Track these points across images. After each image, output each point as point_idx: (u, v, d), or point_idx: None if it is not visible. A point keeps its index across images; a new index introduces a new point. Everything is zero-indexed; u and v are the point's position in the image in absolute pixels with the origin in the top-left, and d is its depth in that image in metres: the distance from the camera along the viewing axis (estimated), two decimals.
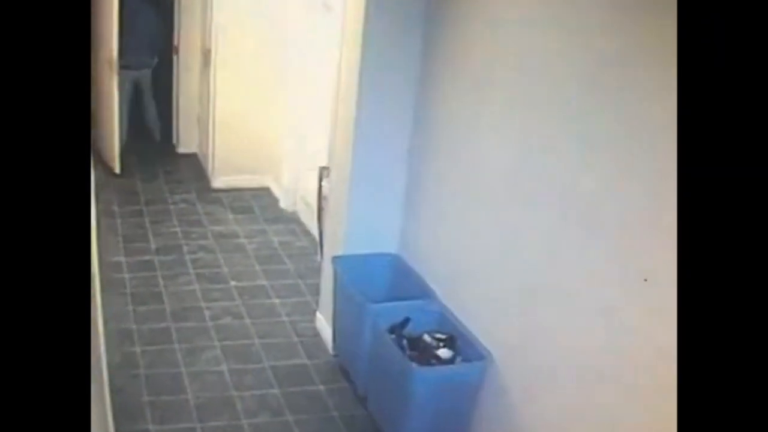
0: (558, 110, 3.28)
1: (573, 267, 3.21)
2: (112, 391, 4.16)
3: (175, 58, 8.46)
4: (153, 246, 6.42)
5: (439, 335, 4.14)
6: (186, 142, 8.63)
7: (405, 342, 4.16)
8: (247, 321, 5.39)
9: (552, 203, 3.32)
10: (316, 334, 5.26)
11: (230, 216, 7.14)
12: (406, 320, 4.28)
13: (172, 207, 7.23)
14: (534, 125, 3.45)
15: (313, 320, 5.39)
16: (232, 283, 5.91)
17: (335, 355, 5.00)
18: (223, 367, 4.85)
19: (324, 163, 5.59)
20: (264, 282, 5.95)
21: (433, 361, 4.02)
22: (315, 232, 6.20)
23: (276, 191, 7.57)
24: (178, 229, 6.76)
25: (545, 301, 3.40)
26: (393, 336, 4.18)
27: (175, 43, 8.38)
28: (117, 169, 7.72)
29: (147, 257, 6.22)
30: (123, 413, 4.27)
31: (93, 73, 7.30)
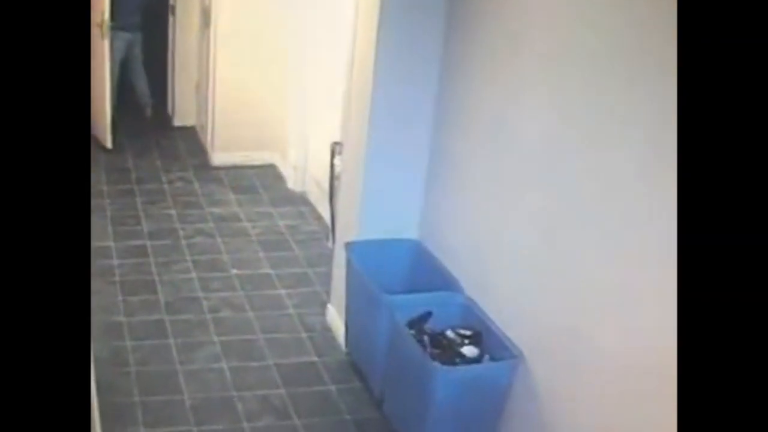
0: (601, 79, 3.26)
1: (613, 257, 3.20)
2: (100, 390, 4.19)
3: (170, 18, 8.47)
4: (145, 229, 6.45)
5: (463, 331, 4.16)
6: (183, 114, 8.67)
7: (426, 338, 4.17)
8: (250, 314, 5.42)
9: (592, 185, 3.31)
10: (327, 329, 5.29)
11: (231, 196, 7.17)
12: (428, 314, 4.30)
13: (166, 186, 7.26)
14: (573, 96, 3.44)
15: (323, 313, 5.42)
16: (234, 271, 5.94)
17: (348, 353, 5.02)
18: (223, 365, 4.89)
19: (336, 138, 5.60)
20: (269, 270, 5.98)
21: (457, 359, 4.04)
22: (326, 215, 6.22)
23: (283, 169, 7.60)
24: (173, 211, 6.80)
25: (582, 294, 3.40)
26: (413, 331, 4.20)
27: (171, 1, 8.39)
28: (108, 144, 7.76)
29: (138, 242, 6.26)
30: (111, 414, 4.31)
31: None
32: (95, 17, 7.35)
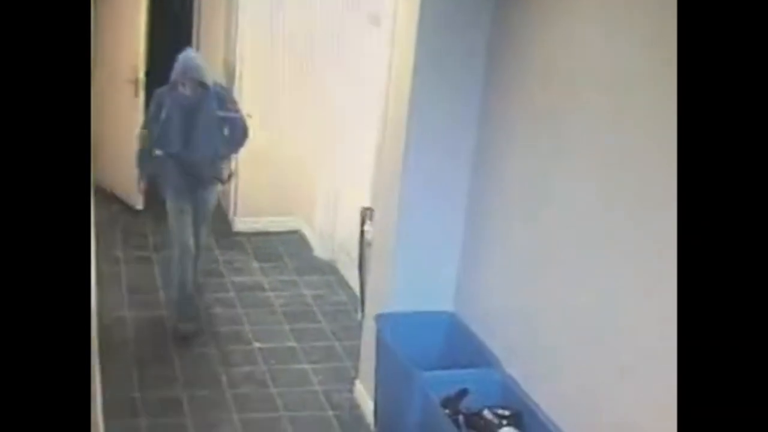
0: (658, 139, 3.22)
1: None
2: None
3: None
4: (162, 299, 6.50)
5: (502, 411, 4.12)
6: None
7: (461, 418, 4.14)
8: (273, 390, 5.42)
9: (646, 255, 3.29)
10: (355, 407, 5.29)
11: (254, 264, 7.22)
12: (463, 392, 4.27)
13: None
14: (629, 154, 3.40)
15: (351, 390, 5.42)
16: (256, 344, 5.96)
17: None
18: None
19: (367, 203, 5.64)
20: (293, 344, 5.99)
21: None
22: (355, 284, 6.23)
23: (309, 236, 7.65)
24: None
25: (637, 373, 3.37)
26: (447, 411, 4.17)
27: None
28: (140, 205, 7.88)
29: (155, 312, 6.31)
30: None
31: (109, 92, 7.48)
32: (128, 73, 7.53)
